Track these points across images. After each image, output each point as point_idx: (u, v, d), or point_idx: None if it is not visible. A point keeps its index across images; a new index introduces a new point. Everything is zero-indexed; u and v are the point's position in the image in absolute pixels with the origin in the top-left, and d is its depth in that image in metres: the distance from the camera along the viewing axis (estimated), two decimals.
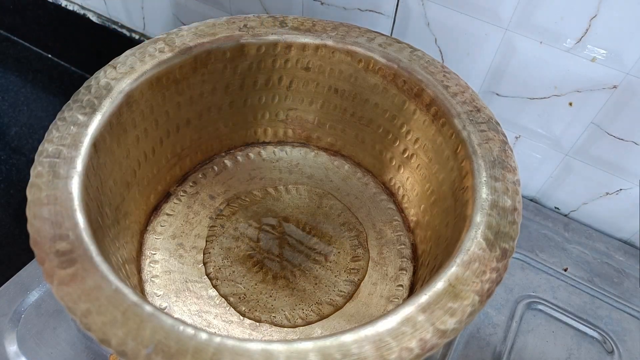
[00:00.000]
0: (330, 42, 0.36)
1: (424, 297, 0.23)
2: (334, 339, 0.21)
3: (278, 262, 0.35)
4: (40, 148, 0.27)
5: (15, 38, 0.80)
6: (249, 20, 0.36)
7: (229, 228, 0.37)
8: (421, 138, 0.36)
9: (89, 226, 0.24)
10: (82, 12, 0.68)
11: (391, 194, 0.40)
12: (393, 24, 0.43)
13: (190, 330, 0.21)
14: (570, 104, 0.39)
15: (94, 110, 0.29)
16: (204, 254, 0.35)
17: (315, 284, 0.34)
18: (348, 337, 0.21)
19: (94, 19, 0.67)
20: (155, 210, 0.37)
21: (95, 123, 0.29)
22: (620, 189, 0.42)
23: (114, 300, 0.22)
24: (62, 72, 0.77)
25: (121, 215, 0.32)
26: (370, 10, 0.43)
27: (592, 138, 0.40)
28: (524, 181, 0.46)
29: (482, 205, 0.27)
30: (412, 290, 0.35)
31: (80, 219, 0.24)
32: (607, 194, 0.43)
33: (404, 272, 0.35)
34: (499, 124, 0.31)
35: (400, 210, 0.39)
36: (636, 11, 0.33)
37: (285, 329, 0.32)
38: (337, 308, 0.33)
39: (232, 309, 0.33)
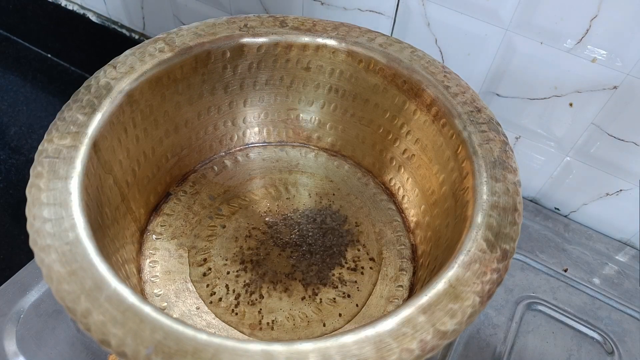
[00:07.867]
0: (330, 42, 0.36)
1: (424, 298, 0.23)
2: (335, 340, 0.21)
3: (278, 262, 0.35)
4: (40, 148, 0.27)
5: (15, 38, 0.80)
6: (249, 20, 0.36)
7: (228, 228, 0.37)
8: (421, 138, 0.36)
9: (89, 226, 0.24)
10: (81, 11, 0.68)
11: (391, 194, 0.40)
12: (393, 24, 0.43)
13: (190, 331, 0.21)
14: (571, 104, 0.39)
15: (93, 110, 0.29)
16: (203, 254, 0.35)
17: (315, 284, 0.34)
18: (348, 338, 0.21)
19: (93, 18, 0.67)
20: (155, 210, 0.37)
21: (95, 123, 0.29)
22: (620, 190, 0.42)
23: (113, 300, 0.21)
24: (62, 72, 0.77)
25: (121, 215, 0.32)
26: (370, 11, 0.43)
27: (592, 139, 0.40)
28: (524, 182, 0.46)
29: (482, 206, 0.27)
30: (412, 291, 0.34)
31: (80, 219, 0.24)
32: (607, 194, 0.43)
33: (404, 272, 0.35)
34: (499, 125, 0.31)
35: (401, 211, 0.39)
36: (636, 12, 0.33)
37: (285, 329, 0.32)
38: (337, 308, 0.33)
39: (232, 309, 0.33)
